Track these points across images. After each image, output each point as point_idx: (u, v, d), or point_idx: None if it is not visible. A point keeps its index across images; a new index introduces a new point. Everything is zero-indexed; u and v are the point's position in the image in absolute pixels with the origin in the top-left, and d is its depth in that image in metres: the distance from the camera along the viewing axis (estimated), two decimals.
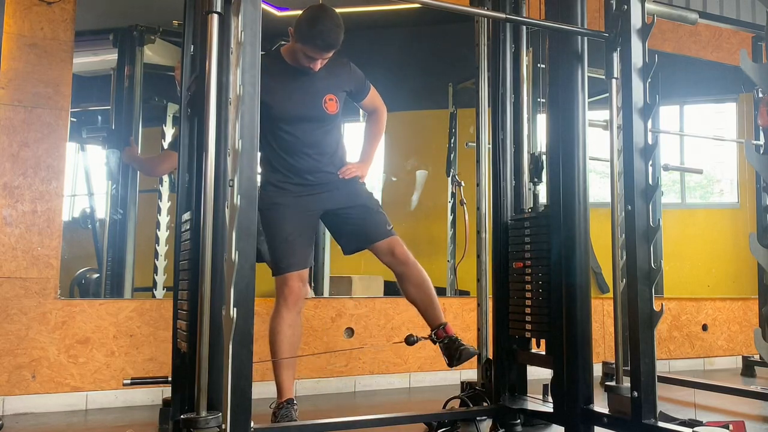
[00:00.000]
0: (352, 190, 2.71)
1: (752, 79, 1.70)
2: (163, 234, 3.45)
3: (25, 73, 3.00)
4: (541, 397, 2.45)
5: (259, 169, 2.66)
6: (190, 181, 1.92)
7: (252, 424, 1.60)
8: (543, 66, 2.47)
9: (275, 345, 2.53)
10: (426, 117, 4.84)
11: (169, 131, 3.58)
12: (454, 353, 2.58)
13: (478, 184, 2.89)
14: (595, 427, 2.08)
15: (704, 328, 4.53)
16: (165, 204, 3.49)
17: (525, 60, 2.66)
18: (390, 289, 4.16)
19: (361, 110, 3.07)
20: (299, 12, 2.53)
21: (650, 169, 1.97)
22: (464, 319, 3.80)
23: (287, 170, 2.62)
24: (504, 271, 2.53)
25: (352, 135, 3.81)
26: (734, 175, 5.37)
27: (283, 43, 2.70)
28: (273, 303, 2.59)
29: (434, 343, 2.68)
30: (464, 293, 3.90)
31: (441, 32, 4.60)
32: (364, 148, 2.86)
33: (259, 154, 1.72)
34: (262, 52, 1.70)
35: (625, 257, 1.98)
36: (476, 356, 2.78)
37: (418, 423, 2.43)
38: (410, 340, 2.57)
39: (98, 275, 3.40)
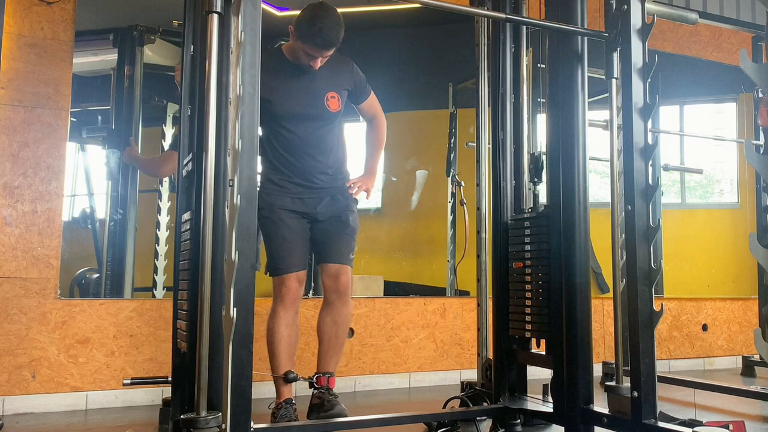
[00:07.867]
0: (346, 206, 2.69)
1: (752, 79, 1.69)
2: (163, 234, 3.45)
3: (25, 73, 3.01)
4: (541, 397, 2.44)
5: (260, 168, 2.66)
6: (190, 181, 1.92)
7: (252, 424, 1.60)
8: (543, 66, 2.46)
9: (273, 345, 2.54)
10: (426, 117, 4.83)
11: (169, 131, 3.57)
12: (325, 404, 2.50)
13: (478, 184, 2.88)
14: (595, 427, 2.08)
15: (704, 328, 4.54)
16: (165, 204, 3.49)
17: (525, 60, 2.66)
18: (390, 290, 4.16)
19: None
20: (299, 11, 2.53)
21: (650, 169, 1.97)
22: (464, 319, 3.80)
23: (289, 170, 2.61)
24: (504, 271, 2.53)
25: (352, 135, 3.80)
26: (734, 175, 5.37)
27: (284, 41, 2.69)
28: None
29: (310, 387, 2.59)
30: (464, 293, 3.90)
31: (441, 32, 4.60)
32: (367, 160, 2.83)
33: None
34: (263, 51, 1.70)
35: (625, 257, 1.98)
36: (477, 356, 2.78)
37: (418, 423, 2.42)
38: (289, 378, 2.48)
39: (98, 275, 3.40)
